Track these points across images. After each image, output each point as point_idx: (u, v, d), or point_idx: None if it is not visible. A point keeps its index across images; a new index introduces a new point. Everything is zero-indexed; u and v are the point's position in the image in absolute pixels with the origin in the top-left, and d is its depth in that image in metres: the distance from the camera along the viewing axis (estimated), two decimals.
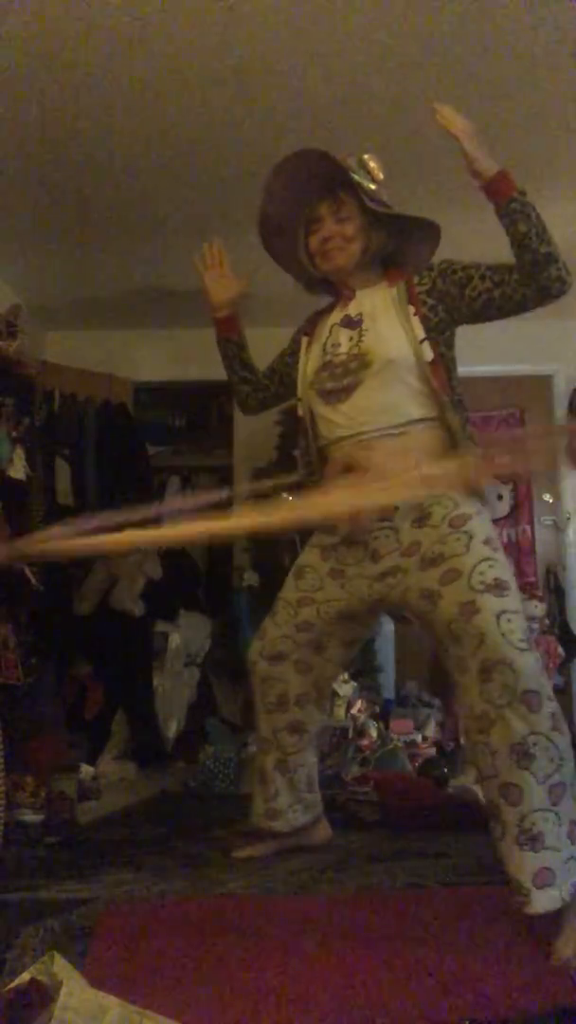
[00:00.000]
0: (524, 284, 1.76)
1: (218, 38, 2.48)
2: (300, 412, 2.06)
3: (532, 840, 1.53)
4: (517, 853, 1.54)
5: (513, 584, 1.72)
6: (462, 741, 3.46)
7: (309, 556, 2.07)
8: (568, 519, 4.56)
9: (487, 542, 1.76)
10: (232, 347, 2.25)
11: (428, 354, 1.86)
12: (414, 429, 1.86)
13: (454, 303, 1.88)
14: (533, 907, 1.51)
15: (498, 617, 1.64)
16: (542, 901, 1.51)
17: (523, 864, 1.53)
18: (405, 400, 1.87)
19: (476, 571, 1.70)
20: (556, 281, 1.73)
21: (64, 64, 2.57)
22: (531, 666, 1.60)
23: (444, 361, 1.90)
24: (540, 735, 1.56)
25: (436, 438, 1.86)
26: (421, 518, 1.83)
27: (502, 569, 1.72)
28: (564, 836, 1.54)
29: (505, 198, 1.73)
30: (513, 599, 1.69)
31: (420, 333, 1.87)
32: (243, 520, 1.92)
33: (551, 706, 1.59)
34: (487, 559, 1.72)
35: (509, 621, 1.64)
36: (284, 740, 2.17)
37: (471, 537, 1.76)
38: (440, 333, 1.90)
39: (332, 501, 1.88)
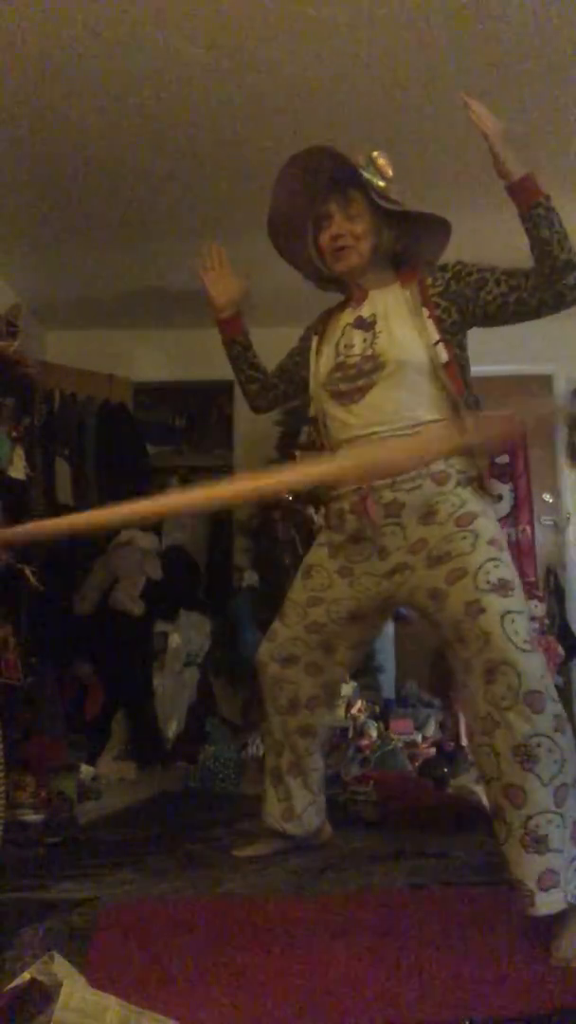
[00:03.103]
0: (541, 290, 1.76)
1: (219, 38, 2.48)
2: (312, 412, 2.06)
3: (536, 842, 1.53)
4: (522, 855, 1.54)
5: (518, 584, 1.73)
6: (463, 742, 3.46)
7: (317, 555, 2.07)
8: (568, 519, 4.56)
9: (492, 542, 1.77)
10: (238, 348, 2.25)
11: (443, 356, 1.85)
12: (426, 431, 1.86)
13: (468, 305, 1.88)
14: (537, 909, 1.51)
15: (503, 617, 1.64)
16: (546, 903, 1.51)
17: (528, 866, 1.53)
18: (418, 402, 1.86)
19: (482, 571, 1.71)
20: (573, 289, 1.74)
21: (63, 64, 2.57)
22: (535, 667, 1.61)
23: (458, 362, 1.89)
24: (543, 736, 1.56)
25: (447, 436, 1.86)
26: (427, 514, 1.83)
27: (507, 569, 1.73)
28: (568, 838, 1.54)
29: (530, 202, 1.72)
30: (518, 599, 1.70)
31: (434, 335, 1.86)
32: (248, 482, 1.90)
33: (555, 707, 1.60)
34: (493, 559, 1.73)
35: (513, 622, 1.64)
36: (297, 743, 2.17)
37: (477, 536, 1.76)
38: (453, 335, 1.90)
39: (355, 456, 1.89)
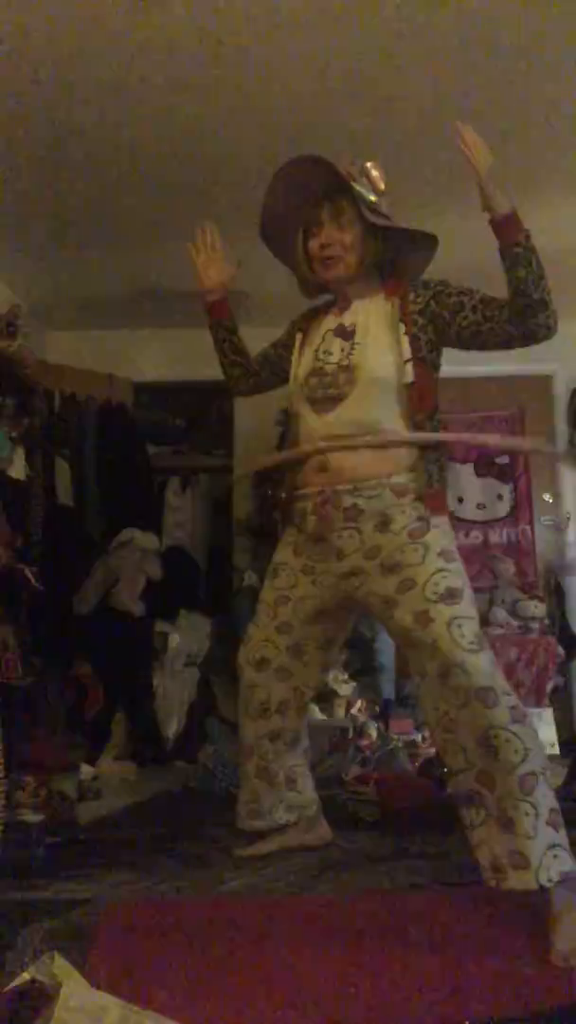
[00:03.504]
0: (512, 324, 1.81)
1: (218, 40, 2.48)
2: (288, 407, 2.14)
3: (506, 824, 1.61)
4: (496, 835, 1.62)
5: (466, 591, 1.81)
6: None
7: (283, 553, 2.13)
8: (568, 519, 4.56)
9: (442, 554, 1.84)
10: (223, 331, 2.28)
11: (409, 376, 1.90)
12: (391, 444, 1.92)
13: (444, 327, 1.92)
14: (508, 883, 1.59)
15: (449, 624, 1.73)
16: (517, 879, 1.58)
17: (501, 844, 1.61)
18: (386, 416, 1.92)
19: (431, 582, 1.79)
20: (543, 328, 1.79)
21: (64, 65, 2.57)
22: (482, 665, 1.69)
23: (428, 381, 1.94)
24: (500, 728, 1.64)
25: (409, 453, 1.91)
26: (383, 523, 1.89)
27: (455, 578, 1.81)
28: (543, 824, 1.60)
29: (511, 240, 1.75)
30: (464, 606, 1.78)
31: (407, 354, 1.91)
32: None
33: (509, 700, 1.68)
34: (441, 570, 1.81)
35: (460, 627, 1.73)
36: (264, 747, 2.21)
37: (427, 549, 1.84)
38: (428, 352, 1.94)
39: None
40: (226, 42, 2.50)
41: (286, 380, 2.14)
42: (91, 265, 3.98)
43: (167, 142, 3.02)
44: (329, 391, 1.95)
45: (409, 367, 1.90)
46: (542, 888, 1.57)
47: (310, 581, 2.05)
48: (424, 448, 1.91)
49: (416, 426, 1.91)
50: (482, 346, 1.90)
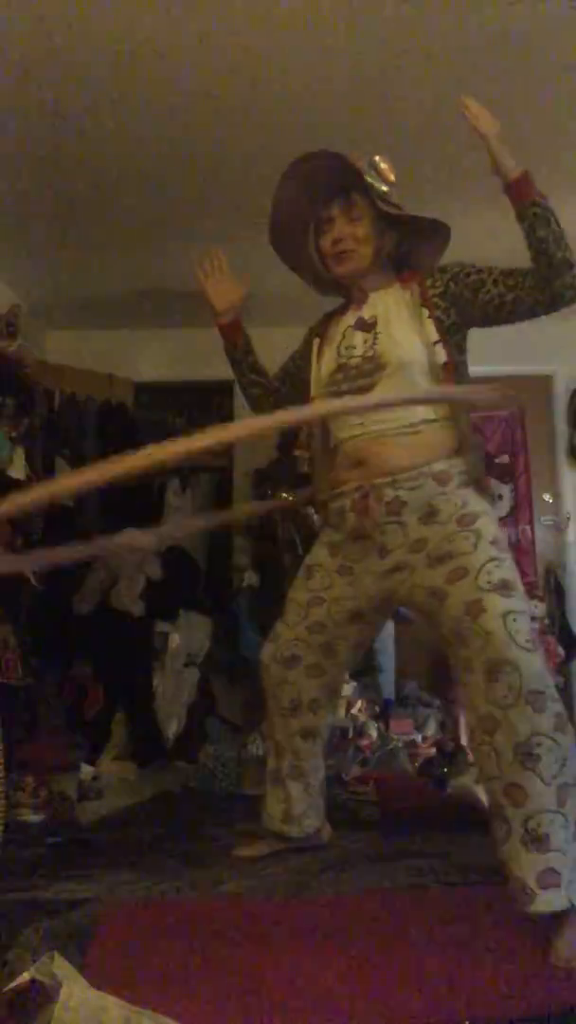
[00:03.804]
0: (538, 290, 1.77)
1: (219, 39, 2.48)
2: None
3: (537, 841, 1.53)
4: (523, 854, 1.54)
5: (519, 585, 1.73)
6: (463, 741, 3.46)
7: (318, 554, 2.08)
8: (568, 519, 4.56)
9: (495, 542, 1.77)
10: (239, 353, 2.25)
11: (441, 356, 1.86)
12: (427, 429, 1.86)
13: (466, 306, 1.89)
14: (537, 906, 1.51)
15: (504, 617, 1.64)
16: (546, 901, 1.51)
17: (528, 865, 1.53)
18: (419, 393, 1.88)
19: (484, 570, 1.71)
20: (570, 288, 1.74)
21: (64, 65, 2.58)
22: (536, 666, 1.61)
23: (456, 363, 1.90)
24: (544, 736, 1.56)
25: (447, 438, 1.87)
26: (429, 514, 1.84)
27: (509, 570, 1.73)
28: (571, 838, 1.54)
29: (526, 201, 1.73)
30: (519, 600, 1.70)
31: (433, 336, 1.87)
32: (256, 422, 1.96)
33: (555, 707, 1.60)
34: (494, 559, 1.73)
35: (515, 621, 1.64)
36: (298, 745, 2.17)
37: (479, 536, 1.77)
38: (452, 336, 1.91)
39: (348, 400, 1.92)
40: (226, 43, 2.50)
41: (307, 391, 2.08)
42: (91, 265, 3.98)
43: (167, 142, 3.02)
44: (357, 383, 1.91)
45: (439, 348, 1.86)
46: (572, 907, 1.51)
47: (347, 582, 1.99)
48: (462, 433, 1.85)
49: (451, 408, 1.86)
50: (508, 318, 1.85)
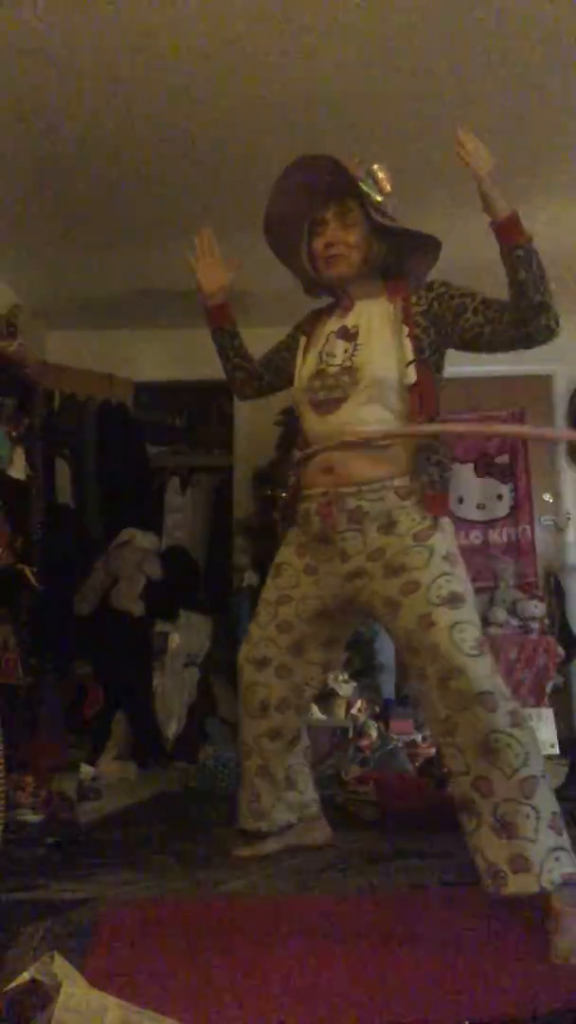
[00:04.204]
0: (513, 327, 1.81)
1: (219, 40, 2.48)
2: (296, 409, 2.12)
3: (505, 828, 1.61)
4: (494, 841, 1.62)
5: (469, 596, 1.82)
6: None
7: (285, 553, 2.13)
8: (568, 519, 4.56)
9: (446, 557, 1.85)
10: (226, 336, 2.28)
11: (411, 377, 1.90)
12: (394, 444, 1.92)
13: (446, 329, 1.92)
14: (509, 889, 1.59)
15: (451, 628, 1.74)
16: (518, 884, 1.58)
17: (499, 850, 1.61)
18: (388, 417, 1.92)
19: (434, 585, 1.80)
20: (544, 330, 1.79)
21: (64, 65, 2.58)
22: (482, 670, 1.70)
23: (429, 383, 1.94)
24: (500, 732, 1.65)
25: (412, 455, 1.91)
26: (388, 524, 1.89)
27: (458, 583, 1.82)
28: (545, 827, 1.61)
29: (512, 243, 1.75)
30: (466, 610, 1.79)
31: (409, 355, 1.91)
32: None
33: (509, 705, 1.69)
34: (445, 574, 1.81)
35: (462, 631, 1.74)
36: (264, 746, 2.20)
37: (432, 552, 1.84)
38: (431, 354, 1.94)
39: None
40: (226, 43, 2.50)
41: (290, 383, 2.13)
42: (91, 265, 3.98)
43: (167, 142, 3.02)
44: (332, 393, 1.95)
45: (411, 369, 1.90)
46: (544, 891, 1.57)
47: (313, 581, 2.05)
48: (420, 450, 1.90)
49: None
50: (484, 348, 1.90)
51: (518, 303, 1.77)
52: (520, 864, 1.58)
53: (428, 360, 1.93)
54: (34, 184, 3.26)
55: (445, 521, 1.90)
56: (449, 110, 2.72)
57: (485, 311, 1.86)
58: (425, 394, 1.91)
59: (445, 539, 1.87)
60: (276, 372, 2.24)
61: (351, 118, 2.85)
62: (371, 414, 1.91)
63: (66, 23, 2.40)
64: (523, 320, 1.78)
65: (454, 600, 1.77)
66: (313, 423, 2.00)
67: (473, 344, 1.91)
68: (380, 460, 1.90)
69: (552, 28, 2.46)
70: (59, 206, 3.43)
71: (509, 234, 1.76)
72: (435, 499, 1.88)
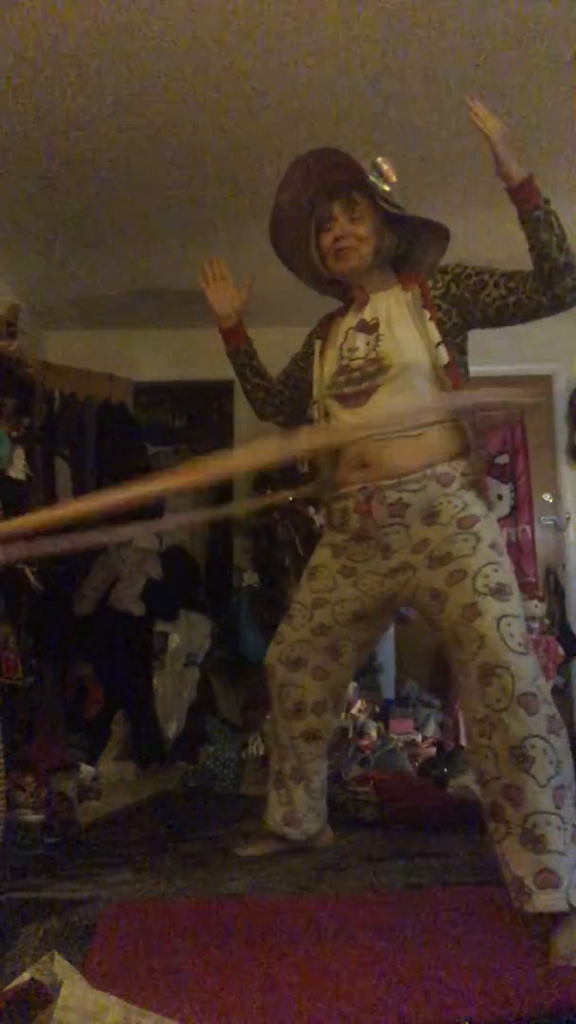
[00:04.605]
0: (539, 292, 1.78)
1: (219, 39, 2.48)
2: (315, 416, 2.06)
3: (534, 841, 1.54)
4: (521, 853, 1.56)
5: (515, 588, 1.75)
6: (463, 741, 3.46)
7: (321, 556, 2.08)
8: (568, 519, 4.56)
9: (493, 546, 1.79)
10: (242, 357, 2.26)
11: (444, 357, 1.87)
12: (431, 431, 1.87)
13: (467, 308, 1.89)
14: (534, 905, 1.52)
15: (498, 621, 1.67)
16: (544, 900, 1.52)
17: (526, 864, 1.55)
18: (421, 403, 1.88)
19: (481, 574, 1.73)
20: (572, 292, 1.76)
21: (64, 65, 2.58)
22: (528, 669, 1.63)
23: (458, 365, 1.91)
24: (538, 738, 1.58)
25: (451, 439, 1.88)
26: (431, 515, 1.85)
27: (505, 573, 1.75)
28: (569, 840, 1.55)
29: (530, 205, 1.74)
30: (514, 603, 1.72)
31: (436, 337, 1.88)
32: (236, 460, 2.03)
33: (548, 709, 1.62)
34: (492, 563, 1.75)
35: (509, 625, 1.66)
36: (300, 748, 2.18)
37: (478, 539, 1.79)
38: (454, 337, 1.91)
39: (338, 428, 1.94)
40: (226, 44, 2.50)
41: (310, 394, 2.09)
42: (91, 265, 3.98)
43: (167, 143, 3.02)
44: (360, 385, 1.91)
45: (442, 350, 1.86)
46: (573, 909, 1.51)
47: (351, 583, 2.00)
48: (471, 435, 1.86)
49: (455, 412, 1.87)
50: (509, 320, 1.86)
51: (542, 265, 1.74)
52: (547, 880, 1.52)
53: (452, 343, 1.90)
54: (34, 184, 3.26)
55: (489, 509, 1.86)
56: (453, 110, 2.73)
57: (507, 283, 1.83)
58: (455, 376, 1.88)
59: (491, 527, 1.83)
60: (295, 386, 2.21)
61: (352, 118, 2.85)
62: (403, 401, 1.87)
63: (67, 24, 2.40)
64: (548, 283, 1.75)
65: (502, 591, 1.71)
66: (342, 417, 1.95)
67: (497, 318, 1.87)
68: (419, 448, 1.85)
69: (551, 29, 2.46)
70: (59, 206, 3.43)
71: (526, 197, 1.73)
72: (483, 484, 1.86)
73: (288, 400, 2.26)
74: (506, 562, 1.78)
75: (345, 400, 1.95)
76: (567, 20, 2.43)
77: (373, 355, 1.91)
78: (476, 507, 1.84)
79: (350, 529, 1.96)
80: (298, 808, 2.20)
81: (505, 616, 1.67)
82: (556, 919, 1.53)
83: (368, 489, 1.87)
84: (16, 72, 2.61)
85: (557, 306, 1.78)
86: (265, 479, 4.29)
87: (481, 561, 1.75)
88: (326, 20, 2.42)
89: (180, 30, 2.44)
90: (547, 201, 1.74)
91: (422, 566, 1.85)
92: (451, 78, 2.66)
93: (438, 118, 2.82)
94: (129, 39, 2.48)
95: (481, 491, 1.87)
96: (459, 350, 1.93)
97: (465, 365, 1.96)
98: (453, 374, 1.87)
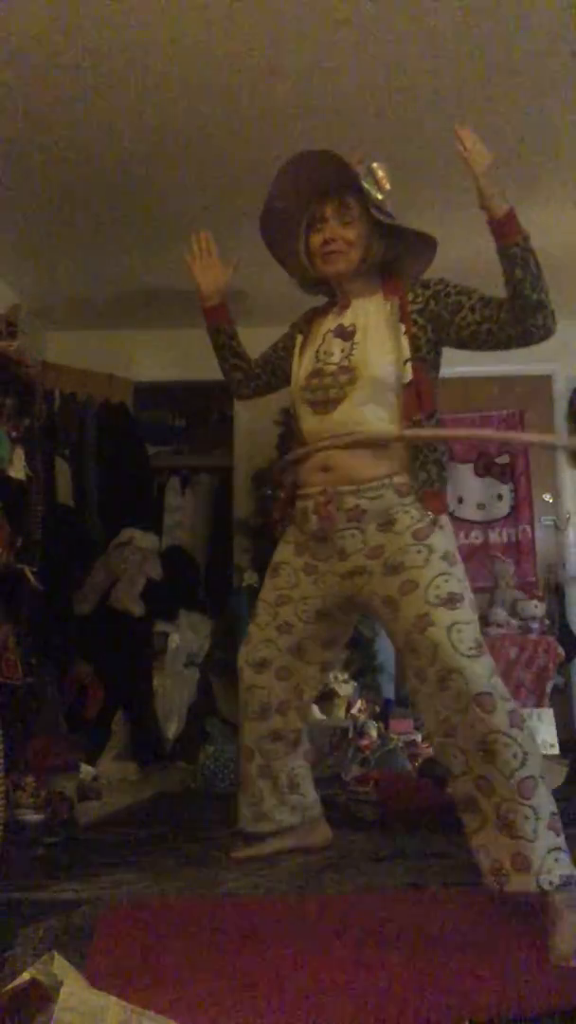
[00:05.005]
0: (510, 325, 1.81)
1: (219, 42, 2.48)
2: (292, 411, 2.12)
3: (507, 827, 1.63)
4: (498, 838, 1.64)
5: (467, 596, 1.82)
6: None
7: (283, 552, 2.12)
8: (568, 519, 4.56)
9: (445, 556, 1.84)
10: (223, 337, 2.28)
11: (407, 376, 1.90)
12: (394, 443, 1.91)
13: (443, 327, 1.92)
14: (510, 886, 1.61)
15: (449, 629, 1.74)
16: (517, 882, 1.60)
17: (503, 848, 1.63)
18: (385, 416, 1.91)
19: (432, 585, 1.79)
20: (541, 328, 1.79)
21: (65, 65, 2.58)
22: (481, 671, 1.70)
23: (427, 381, 1.93)
24: (498, 733, 1.65)
25: (410, 453, 1.91)
26: (387, 522, 1.89)
27: (456, 583, 1.81)
28: (544, 828, 1.62)
29: (509, 241, 1.75)
30: (464, 611, 1.78)
31: (406, 353, 1.90)
32: None
33: (507, 705, 1.69)
34: (443, 573, 1.81)
35: (459, 632, 1.74)
36: (266, 747, 2.21)
37: (431, 551, 1.83)
38: (427, 353, 1.94)
39: None
40: (228, 44, 2.50)
41: (288, 382, 2.13)
42: (91, 265, 3.98)
43: (167, 143, 3.02)
44: (329, 392, 1.95)
45: (408, 367, 1.89)
46: (542, 891, 1.58)
47: (312, 581, 2.04)
48: (418, 448, 1.89)
49: (414, 427, 1.90)
50: (480, 346, 1.90)
51: (515, 301, 1.77)
52: (520, 863, 1.60)
53: (425, 358, 1.92)
54: (34, 184, 3.26)
55: (444, 520, 1.90)
56: (451, 111, 2.72)
57: (483, 309, 1.85)
58: (423, 392, 1.90)
59: (444, 538, 1.87)
60: (273, 372, 2.23)
61: (352, 120, 2.85)
62: (369, 413, 1.91)
63: (67, 25, 2.40)
64: (520, 318, 1.78)
65: (452, 600, 1.77)
66: (311, 422, 2.00)
67: (470, 342, 1.90)
68: (379, 458, 1.89)
69: (550, 31, 2.46)
70: (59, 206, 3.43)
71: (506, 232, 1.75)
72: (434, 497, 1.88)
73: (265, 385, 2.29)
74: (459, 570, 1.84)
75: (314, 405, 1.99)
76: (569, 17, 2.43)
77: (346, 363, 1.94)
78: (430, 518, 1.87)
79: (310, 528, 1.99)
80: (266, 804, 2.22)
81: (455, 624, 1.74)
82: (555, 918, 1.54)
83: (328, 492, 1.91)
84: (16, 73, 2.61)
85: (526, 341, 1.82)
86: (265, 479, 4.28)
87: (433, 572, 1.81)
88: (326, 26, 2.42)
89: (180, 31, 2.44)
90: (526, 238, 1.75)
91: (377, 572, 1.89)
92: (453, 79, 2.66)
93: (438, 118, 2.82)
94: (129, 40, 2.48)
95: (438, 502, 1.89)
96: (432, 367, 1.96)
97: (436, 380, 1.99)
98: (413, 392, 1.90)
